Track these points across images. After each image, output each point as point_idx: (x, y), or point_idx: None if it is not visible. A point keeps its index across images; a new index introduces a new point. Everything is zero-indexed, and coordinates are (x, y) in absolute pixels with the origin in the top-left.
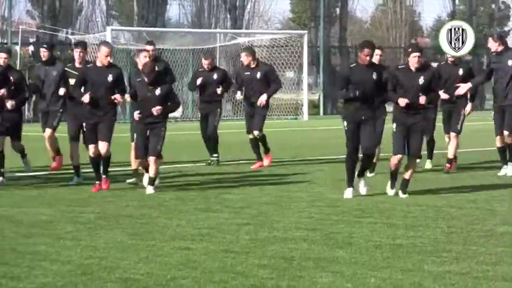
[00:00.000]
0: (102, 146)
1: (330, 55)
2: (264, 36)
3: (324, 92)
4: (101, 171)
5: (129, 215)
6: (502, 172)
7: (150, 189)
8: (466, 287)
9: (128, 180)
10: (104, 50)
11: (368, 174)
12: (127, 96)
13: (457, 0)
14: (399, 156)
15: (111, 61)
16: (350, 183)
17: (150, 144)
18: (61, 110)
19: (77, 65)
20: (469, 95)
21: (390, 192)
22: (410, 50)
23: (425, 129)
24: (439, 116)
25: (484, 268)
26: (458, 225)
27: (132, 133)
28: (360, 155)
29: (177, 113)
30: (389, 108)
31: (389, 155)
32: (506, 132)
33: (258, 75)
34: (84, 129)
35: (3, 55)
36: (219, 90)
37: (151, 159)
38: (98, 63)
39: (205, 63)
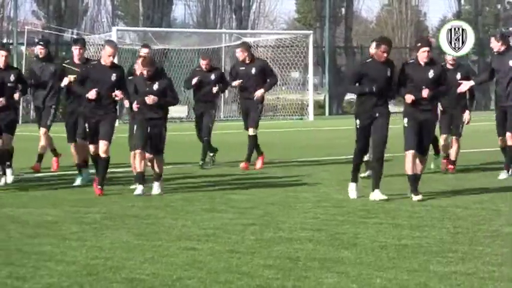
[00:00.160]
0: (102, 145)
1: (336, 55)
2: (269, 37)
3: (330, 92)
4: (98, 177)
5: (134, 215)
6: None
7: (156, 189)
8: None
9: (133, 186)
10: (108, 50)
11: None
12: (126, 102)
13: (462, 0)
14: (412, 151)
15: (114, 61)
16: (355, 178)
17: (153, 142)
18: (54, 107)
19: (76, 61)
20: (468, 102)
21: (416, 198)
22: (419, 44)
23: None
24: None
25: (490, 269)
26: (464, 226)
27: (132, 143)
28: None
29: (183, 113)
30: (393, 108)
31: (392, 156)
32: (508, 134)
33: (253, 70)
34: (87, 129)
35: (4, 53)
36: (214, 89)
37: (155, 157)
38: (102, 62)
39: (203, 63)
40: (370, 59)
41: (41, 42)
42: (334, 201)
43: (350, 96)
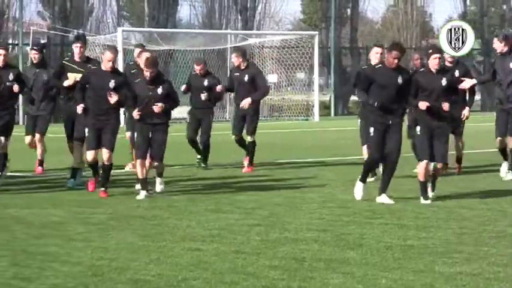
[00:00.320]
0: (105, 154)
1: (341, 56)
2: (275, 37)
3: (335, 93)
4: (101, 179)
5: (140, 216)
6: (504, 174)
7: (159, 187)
8: None
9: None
10: (108, 55)
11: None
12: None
13: (468, 1)
14: (425, 161)
15: (115, 66)
16: (364, 178)
17: (154, 150)
18: (49, 113)
19: (76, 59)
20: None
21: (424, 202)
22: (430, 51)
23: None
24: None
25: (495, 269)
26: (469, 227)
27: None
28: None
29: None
30: None
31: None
32: (510, 138)
33: (246, 77)
34: (87, 134)
35: (2, 51)
36: (203, 96)
37: (156, 165)
38: (102, 67)
39: (197, 68)
40: (380, 65)
41: (35, 47)
42: (340, 201)
43: (355, 97)
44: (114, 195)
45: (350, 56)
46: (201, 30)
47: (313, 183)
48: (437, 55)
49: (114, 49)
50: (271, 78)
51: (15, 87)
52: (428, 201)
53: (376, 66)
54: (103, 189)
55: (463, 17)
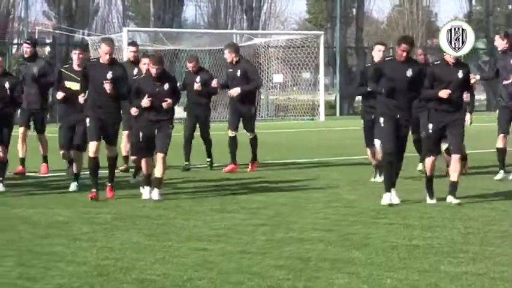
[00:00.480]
0: (110, 150)
1: (347, 56)
2: (280, 37)
3: (341, 93)
4: (108, 177)
5: (145, 215)
6: (498, 176)
7: (156, 195)
8: None
9: (132, 180)
10: (104, 47)
11: (377, 179)
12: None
13: (473, 0)
14: (432, 158)
15: (112, 58)
16: (388, 188)
17: (158, 141)
18: (44, 111)
19: (75, 67)
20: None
21: (431, 201)
22: None
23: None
24: None
25: (500, 269)
26: (475, 226)
27: (132, 147)
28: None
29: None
30: None
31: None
32: None
33: (238, 72)
34: (87, 125)
35: None
36: (196, 85)
37: (159, 156)
38: (100, 60)
39: (189, 65)
40: (390, 58)
41: (28, 41)
42: (345, 201)
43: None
44: (119, 195)
45: (355, 56)
46: (206, 30)
47: (319, 183)
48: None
49: (110, 41)
50: (277, 78)
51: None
52: (434, 201)
53: (386, 59)
54: (110, 184)
55: (469, 16)
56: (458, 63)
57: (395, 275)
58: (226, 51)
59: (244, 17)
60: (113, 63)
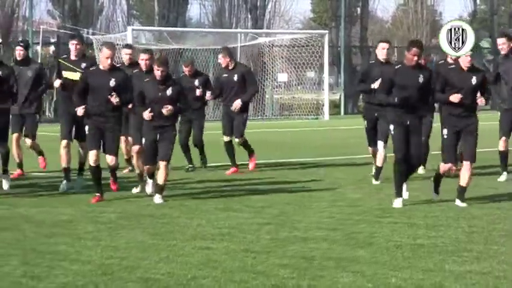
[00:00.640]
0: (110, 160)
1: (351, 55)
2: (284, 36)
3: (345, 92)
4: (111, 177)
5: (150, 214)
6: (501, 178)
7: (158, 199)
8: (487, 287)
9: (134, 190)
10: (105, 52)
11: (373, 182)
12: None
13: None
14: (449, 165)
15: (113, 63)
16: (399, 194)
17: (161, 149)
18: (36, 115)
19: (72, 57)
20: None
21: (435, 197)
22: None
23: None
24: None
25: (505, 268)
26: (479, 225)
27: (136, 135)
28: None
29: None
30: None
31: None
32: None
33: (235, 77)
34: (87, 132)
35: None
36: (198, 91)
37: (161, 164)
38: (101, 66)
39: (185, 70)
40: (400, 65)
41: (21, 43)
42: (350, 200)
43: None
44: (124, 194)
45: (360, 55)
46: (211, 29)
47: (323, 182)
48: (469, 52)
49: (111, 45)
50: (281, 77)
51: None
52: (436, 196)
53: (396, 67)
54: (112, 179)
55: (473, 15)
56: (473, 68)
57: (400, 274)
58: (220, 56)
59: (249, 16)
60: (114, 69)
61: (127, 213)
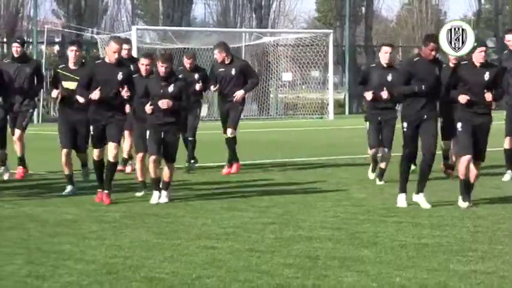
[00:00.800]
0: (111, 148)
1: (356, 54)
2: (289, 36)
3: (350, 91)
4: (105, 182)
5: (154, 214)
6: (506, 178)
7: (163, 197)
8: (492, 287)
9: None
10: (113, 46)
11: (378, 182)
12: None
13: None
14: (468, 157)
15: (120, 58)
16: (403, 189)
17: (166, 152)
18: (32, 111)
19: (71, 66)
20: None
21: (463, 205)
22: (476, 44)
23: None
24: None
25: (509, 267)
26: (484, 225)
27: (138, 142)
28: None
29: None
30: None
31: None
32: None
33: (233, 71)
34: (92, 132)
35: None
36: (198, 86)
37: (168, 166)
38: (107, 60)
39: (187, 62)
40: (417, 58)
41: (18, 40)
42: (354, 200)
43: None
44: (128, 193)
45: (365, 55)
46: (215, 28)
47: (328, 181)
48: (483, 48)
49: (120, 40)
50: (286, 77)
51: None
52: (467, 204)
53: (415, 59)
54: (106, 192)
55: (478, 15)
56: (487, 64)
57: (404, 274)
58: (216, 51)
59: (254, 15)
60: (120, 63)
61: (131, 212)
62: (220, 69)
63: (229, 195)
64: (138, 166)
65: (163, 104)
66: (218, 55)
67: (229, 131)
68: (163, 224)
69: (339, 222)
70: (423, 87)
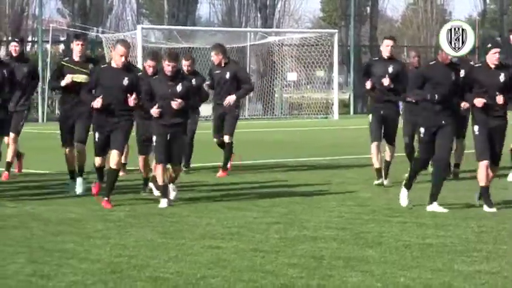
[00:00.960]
0: (114, 156)
1: (361, 54)
2: (294, 35)
3: (355, 91)
4: (106, 189)
5: (159, 213)
6: (510, 178)
7: (171, 191)
8: (496, 287)
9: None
10: (120, 49)
11: (385, 182)
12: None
13: None
14: (486, 162)
15: (127, 62)
16: (409, 185)
17: (173, 152)
18: (26, 112)
19: (76, 58)
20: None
21: (492, 210)
22: (489, 46)
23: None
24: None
25: None
26: (488, 225)
27: (141, 145)
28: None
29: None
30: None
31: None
32: None
33: (228, 75)
34: (96, 140)
35: None
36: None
37: (174, 170)
38: (113, 64)
39: (185, 64)
40: (434, 62)
41: (16, 39)
42: (359, 200)
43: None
44: (134, 193)
45: (370, 54)
46: (220, 28)
47: (332, 181)
48: (497, 49)
49: (127, 43)
50: (291, 76)
51: None
52: (494, 209)
53: (431, 63)
54: (106, 198)
55: (483, 15)
56: (501, 65)
57: (409, 274)
58: (213, 53)
59: (258, 15)
60: (127, 67)
61: (136, 211)
62: (216, 72)
63: (233, 195)
64: (140, 165)
65: (177, 104)
66: (215, 57)
67: (226, 137)
68: (167, 224)
69: (344, 222)
70: (436, 96)
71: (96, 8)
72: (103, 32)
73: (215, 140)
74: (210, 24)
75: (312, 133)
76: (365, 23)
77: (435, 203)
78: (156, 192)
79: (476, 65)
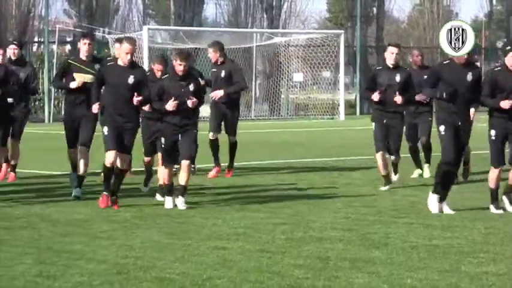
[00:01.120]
0: (122, 159)
1: (367, 55)
2: (300, 36)
3: (361, 92)
4: (113, 189)
5: (165, 214)
6: None
7: (181, 205)
8: None
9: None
10: (126, 46)
11: (394, 178)
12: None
13: (494, 0)
14: (499, 169)
15: (133, 60)
16: (438, 190)
17: (184, 149)
18: (26, 114)
19: (82, 57)
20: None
21: (496, 211)
22: (508, 48)
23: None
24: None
25: None
26: (495, 226)
27: (148, 146)
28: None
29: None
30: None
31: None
32: None
33: (223, 73)
34: (106, 133)
35: None
36: (189, 102)
37: (184, 164)
38: (120, 62)
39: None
40: (448, 61)
41: (15, 42)
42: (365, 201)
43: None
44: (140, 193)
45: (376, 55)
46: (226, 28)
47: (338, 182)
48: None
49: (133, 40)
50: (297, 77)
51: None
52: (500, 211)
53: (444, 62)
54: (114, 197)
55: (489, 16)
56: None
57: (415, 275)
58: (210, 51)
59: (265, 15)
60: (133, 65)
61: (142, 212)
62: (213, 69)
63: (239, 195)
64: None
65: (193, 103)
66: (212, 54)
67: (230, 138)
68: (174, 224)
69: (350, 223)
70: (444, 94)
71: (103, 9)
72: (109, 33)
73: (210, 136)
74: (216, 24)
75: (318, 134)
76: (371, 23)
77: (444, 202)
78: (161, 198)
79: (496, 69)
